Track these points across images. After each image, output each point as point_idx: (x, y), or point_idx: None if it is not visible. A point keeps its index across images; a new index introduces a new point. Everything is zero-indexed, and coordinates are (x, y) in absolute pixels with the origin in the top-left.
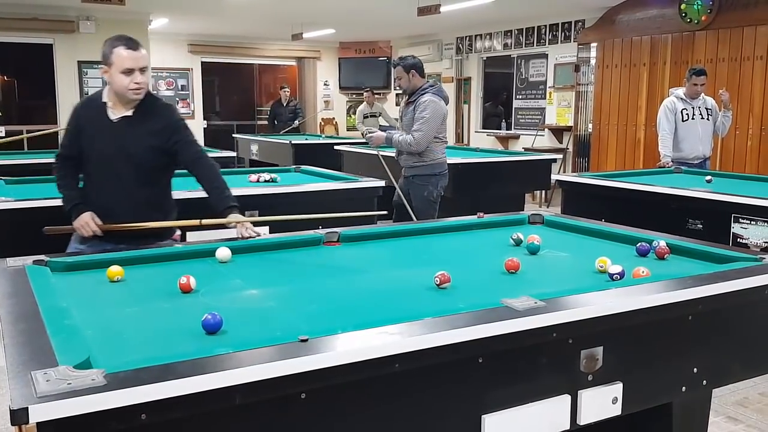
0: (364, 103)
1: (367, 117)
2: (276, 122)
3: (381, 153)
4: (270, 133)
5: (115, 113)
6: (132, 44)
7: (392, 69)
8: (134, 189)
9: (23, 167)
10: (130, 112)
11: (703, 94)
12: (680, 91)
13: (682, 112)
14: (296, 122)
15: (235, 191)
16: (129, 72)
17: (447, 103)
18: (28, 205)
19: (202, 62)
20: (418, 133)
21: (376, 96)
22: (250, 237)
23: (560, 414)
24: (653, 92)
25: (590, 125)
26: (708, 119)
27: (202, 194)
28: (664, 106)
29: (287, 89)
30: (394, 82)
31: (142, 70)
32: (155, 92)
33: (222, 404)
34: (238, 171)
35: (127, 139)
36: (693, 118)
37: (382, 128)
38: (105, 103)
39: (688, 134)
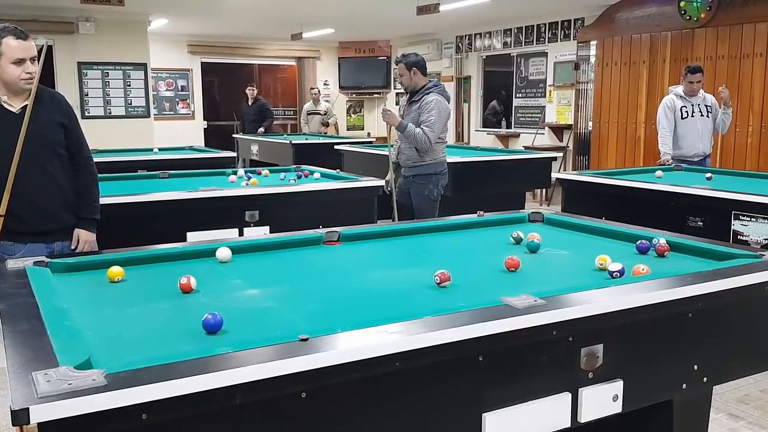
0: (311, 101)
1: (311, 114)
2: (244, 123)
3: (391, 152)
4: (239, 133)
5: (13, 105)
6: (21, 34)
7: (395, 66)
8: (60, 176)
9: None
10: (28, 102)
11: (702, 91)
12: (679, 89)
13: (681, 109)
14: (262, 128)
15: (237, 191)
16: (20, 62)
17: (449, 102)
18: None
19: (201, 63)
20: (428, 130)
21: (321, 95)
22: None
23: (561, 412)
24: (653, 90)
25: (590, 123)
26: (708, 116)
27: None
28: (664, 104)
29: (254, 88)
30: (396, 79)
31: (33, 59)
32: (155, 92)
33: (223, 404)
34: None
35: (38, 126)
36: (692, 116)
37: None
38: None
39: (688, 132)
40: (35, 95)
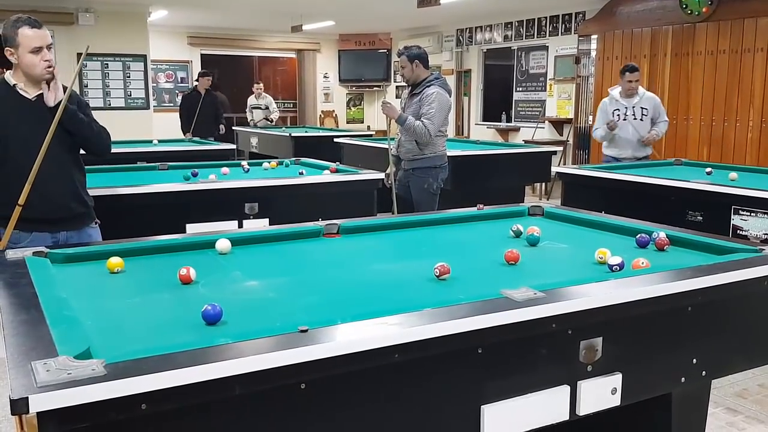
0: (253, 95)
1: (254, 108)
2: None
3: (392, 146)
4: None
5: (30, 93)
6: (35, 23)
7: (396, 57)
8: (69, 167)
9: None
10: (43, 90)
11: (643, 90)
12: (617, 91)
13: (613, 113)
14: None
15: (234, 183)
16: (37, 50)
17: (450, 95)
18: None
19: (201, 54)
20: (429, 123)
21: (262, 90)
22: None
23: (559, 404)
24: (653, 84)
25: (590, 117)
26: (642, 119)
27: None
28: (599, 108)
29: (209, 77)
30: (397, 72)
31: (49, 47)
32: (154, 84)
33: (222, 394)
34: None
35: (54, 114)
36: (625, 119)
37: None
38: (14, 85)
39: (620, 135)
40: (52, 86)
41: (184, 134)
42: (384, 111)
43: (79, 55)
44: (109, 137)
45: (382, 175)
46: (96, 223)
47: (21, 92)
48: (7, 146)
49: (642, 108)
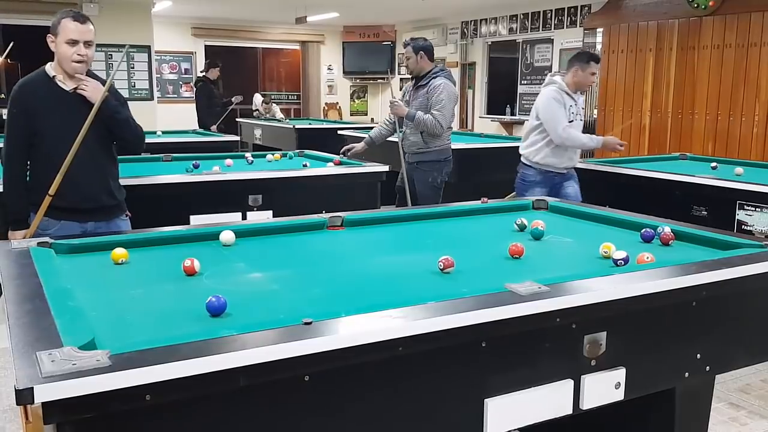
0: (261, 108)
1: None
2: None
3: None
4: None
5: (67, 85)
6: (80, 17)
7: (402, 48)
8: (102, 159)
9: None
10: (79, 85)
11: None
12: (559, 79)
13: (569, 109)
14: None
15: (238, 175)
16: (74, 43)
17: (455, 86)
18: None
19: (205, 46)
20: (439, 114)
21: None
22: (82, 89)
23: (563, 399)
24: (659, 78)
25: (595, 111)
26: (581, 120)
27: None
28: (552, 99)
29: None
30: (401, 63)
31: (87, 44)
32: (158, 75)
33: (226, 386)
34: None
35: (90, 108)
36: (575, 119)
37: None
38: (54, 77)
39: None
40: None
41: (209, 128)
42: (392, 111)
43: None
44: (144, 136)
45: (386, 168)
46: (126, 215)
47: (60, 84)
48: (44, 136)
49: (581, 108)
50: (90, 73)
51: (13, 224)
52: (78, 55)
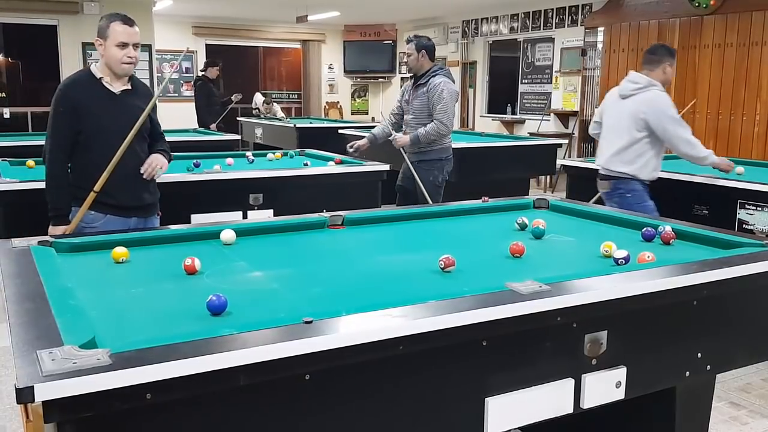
0: (261, 108)
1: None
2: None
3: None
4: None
5: (114, 87)
6: (128, 21)
7: (405, 45)
8: (145, 159)
9: (26, 149)
10: (128, 86)
11: None
12: (654, 81)
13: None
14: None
15: (239, 174)
16: (123, 45)
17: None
18: (31, 187)
19: (206, 45)
20: (443, 115)
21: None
22: (152, 172)
23: (563, 398)
24: None
25: (596, 110)
26: None
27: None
28: (670, 106)
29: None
30: (402, 60)
31: (135, 46)
32: (159, 75)
33: (226, 385)
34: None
35: (135, 110)
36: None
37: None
38: (100, 78)
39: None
40: (130, 82)
41: (208, 126)
42: (396, 145)
43: (84, 44)
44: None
45: (386, 167)
46: (158, 214)
47: (107, 86)
48: (91, 136)
49: None
50: (133, 78)
51: (54, 219)
52: (128, 57)
